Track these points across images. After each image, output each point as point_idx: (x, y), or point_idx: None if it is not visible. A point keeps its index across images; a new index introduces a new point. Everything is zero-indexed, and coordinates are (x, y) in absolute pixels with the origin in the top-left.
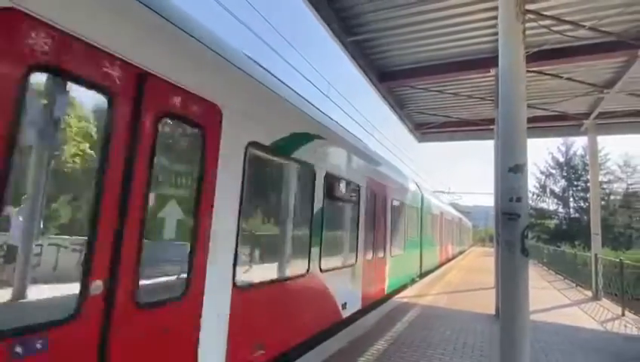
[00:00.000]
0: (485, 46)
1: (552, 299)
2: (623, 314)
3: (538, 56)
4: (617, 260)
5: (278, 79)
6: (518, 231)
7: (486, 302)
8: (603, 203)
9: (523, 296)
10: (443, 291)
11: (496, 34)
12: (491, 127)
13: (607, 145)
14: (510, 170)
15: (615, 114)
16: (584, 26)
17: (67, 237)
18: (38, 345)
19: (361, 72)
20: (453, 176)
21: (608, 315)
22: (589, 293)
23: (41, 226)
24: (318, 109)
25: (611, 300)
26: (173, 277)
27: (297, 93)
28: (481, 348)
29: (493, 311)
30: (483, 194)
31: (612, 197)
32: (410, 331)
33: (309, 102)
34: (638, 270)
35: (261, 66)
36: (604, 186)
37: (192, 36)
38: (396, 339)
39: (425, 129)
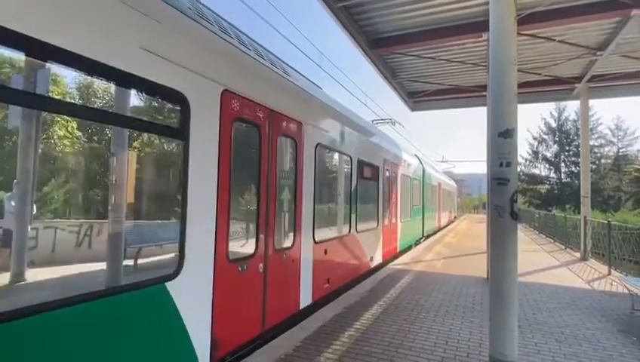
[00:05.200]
0: (477, 9)
1: (541, 261)
2: (610, 274)
3: (531, 18)
4: (605, 222)
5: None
6: (508, 196)
7: (477, 266)
8: (594, 167)
9: (512, 257)
10: (436, 257)
11: None
12: (484, 93)
13: (600, 110)
14: (500, 134)
15: (607, 76)
16: None
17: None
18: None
19: (351, 40)
20: (449, 145)
21: (595, 274)
22: (578, 255)
23: None
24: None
25: (598, 260)
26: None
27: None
28: (472, 309)
29: (484, 275)
30: (477, 162)
31: (603, 160)
32: (404, 296)
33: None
34: (625, 231)
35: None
36: (596, 150)
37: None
38: (390, 304)
39: (418, 97)
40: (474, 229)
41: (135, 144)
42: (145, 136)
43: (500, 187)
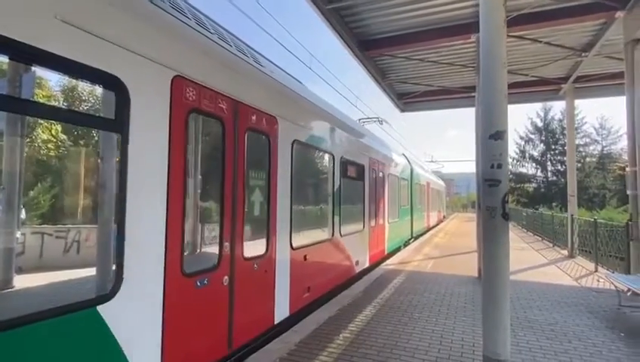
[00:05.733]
0: (466, 11)
1: (530, 259)
2: (596, 270)
3: (518, 20)
4: (592, 220)
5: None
6: (499, 197)
7: (467, 265)
8: (579, 165)
9: (504, 257)
10: (426, 257)
11: None
12: (472, 94)
13: (585, 109)
14: (491, 136)
15: (593, 77)
16: None
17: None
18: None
19: (341, 42)
20: (438, 146)
21: (582, 272)
22: (565, 252)
23: None
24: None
25: (585, 257)
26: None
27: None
28: (464, 309)
29: (474, 274)
30: (465, 162)
31: (588, 159)
32: (396, 296)
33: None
34: (611, 228)
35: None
36: (581, 149)
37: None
38: (383, 305)
39: (407, 98)
40: (463, 228)
41: (56, 136)
42: (68, 127)
43: (492, 188)
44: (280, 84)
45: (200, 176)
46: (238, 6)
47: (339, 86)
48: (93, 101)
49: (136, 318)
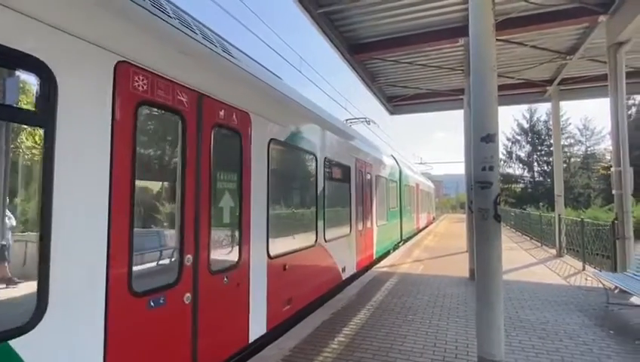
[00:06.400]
0: (454, 15)
1: (520, 259)
2: (584, 269)
3: (505, 24)
4: (578, 219)
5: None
6: (491, 199)
7: (458, 266)
8: (564, 165)
9: (496, 258)
10: (418, 259)
11: (464, 2)
12: (460, 96)
13: (569, 111)
14: (482, 139)
15: (577, 79)
16: None
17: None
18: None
19: (331, 45)
20: (426, 148)
21: (571, 270)
22: (554, 251)
23: None
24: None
25: (573, 256)
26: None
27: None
28: (457, 309)
29: (466, 274)
30: (454, 163)
31: (572, 159)
32: (390, 298)
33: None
34: (597, 227)
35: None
36: (566, 150)
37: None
38: (377, 307)
39: (396, 102)
40: (452, 229)
41: None
42: None
43: (484, 190)
44: (254, 77)
45: (155, 177)
46: (221, 5)
47: (328, 89)
48: (10, 91)
49: (68, 354)
